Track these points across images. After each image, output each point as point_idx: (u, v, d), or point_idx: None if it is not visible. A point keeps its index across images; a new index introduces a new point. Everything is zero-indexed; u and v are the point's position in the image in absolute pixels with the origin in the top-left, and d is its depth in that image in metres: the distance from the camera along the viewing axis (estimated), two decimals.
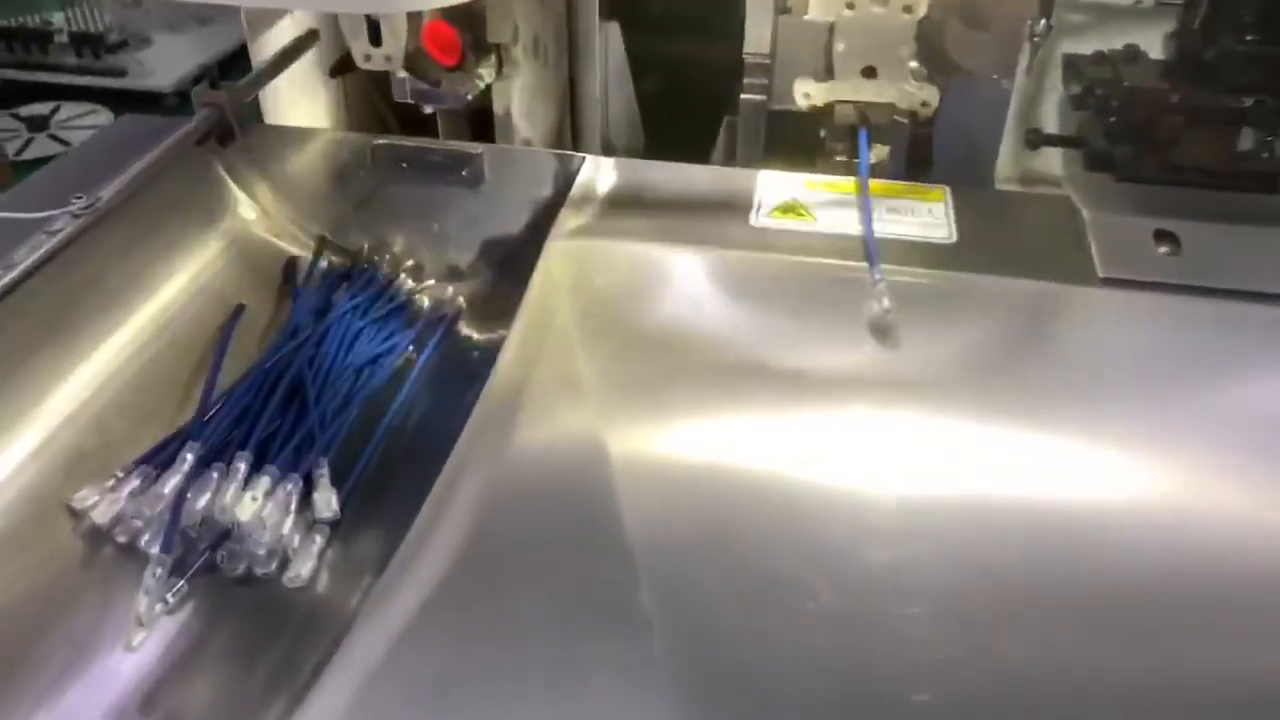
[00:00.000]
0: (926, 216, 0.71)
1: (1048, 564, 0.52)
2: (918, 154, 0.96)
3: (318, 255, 0.83)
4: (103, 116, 2.82)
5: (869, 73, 0.75)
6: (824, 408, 0.61)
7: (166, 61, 2.82)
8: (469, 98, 0.89)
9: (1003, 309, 0.66)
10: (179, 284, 0.76)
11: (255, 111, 0.94)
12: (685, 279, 0.66)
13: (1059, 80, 0.95)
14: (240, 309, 0.77)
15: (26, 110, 2.82)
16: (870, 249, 0.67)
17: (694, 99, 1.12)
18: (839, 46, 0.74)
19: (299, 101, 0.96)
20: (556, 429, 0.61)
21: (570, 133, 1.12)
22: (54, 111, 2.83)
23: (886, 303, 0.63)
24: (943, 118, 0.91)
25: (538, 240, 0.81)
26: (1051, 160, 1.00)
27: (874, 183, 0.74)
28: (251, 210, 0.84)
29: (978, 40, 0.97)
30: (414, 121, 0.94)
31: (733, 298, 0.66)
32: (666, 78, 1.17)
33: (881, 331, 0.63)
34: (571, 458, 0.59)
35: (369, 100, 1.03)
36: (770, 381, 0.62)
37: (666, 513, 0.55)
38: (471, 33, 0.88)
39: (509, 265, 0.84)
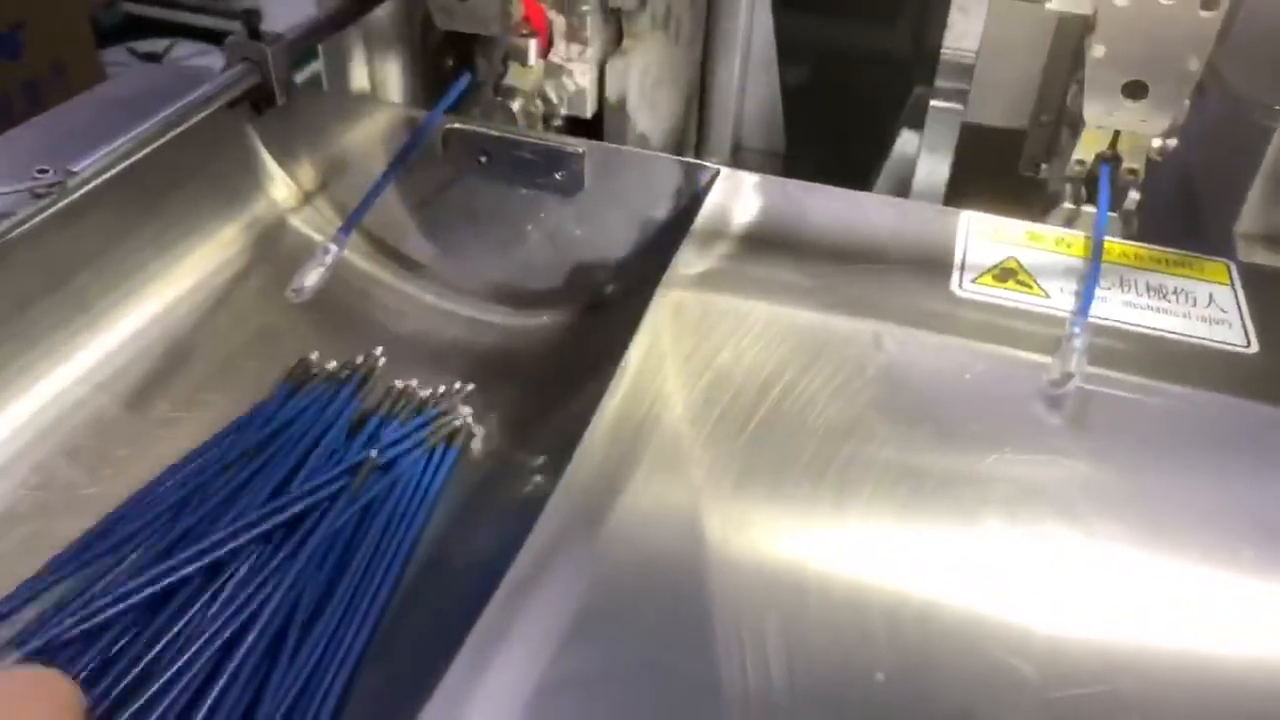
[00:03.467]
0: (1208, 306, 0.49)
1: None
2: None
3: None
4: (214, 58, 2.73)
5: (1135, 90, 0.53)
6: (1010, 526, 0.40)
7: (285, 6, 2.69)
8: (560, 106, 0.70)
9: None
10: (177, 290, 0.58)
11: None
12: (853, 365, 0.46)
13: None
14: None
15: (143, 46, 2.76)
16: (1087, 299, 0.47)
17: (855, 98, 0.92)
18: (1097, 50, 0.52)
19: (381, 71, 0.78)
20: (661, 542, 0.41)
21: (696, 128, 0.93)
22: (168, 49, 2.76)
23: (1074, 364, 0.42)
24: None
25: (645, 273, 0.61)
26: None
27: (1126, 246, 0.53)
28: (289, 193, 0.66)
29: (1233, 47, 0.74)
30: None
31: (917, 395, 0.45)
32: (822, 68, 0.96)
33: (1055, 404, 0.42)
34: (680, 578, 0.40)
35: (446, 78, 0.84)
36: (948, 492, 0.41)
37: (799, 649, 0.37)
38: (565, 14, 0.68)
39: (603, 299, 0.65)
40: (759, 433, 0.43)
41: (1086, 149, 0.56)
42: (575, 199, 0.63)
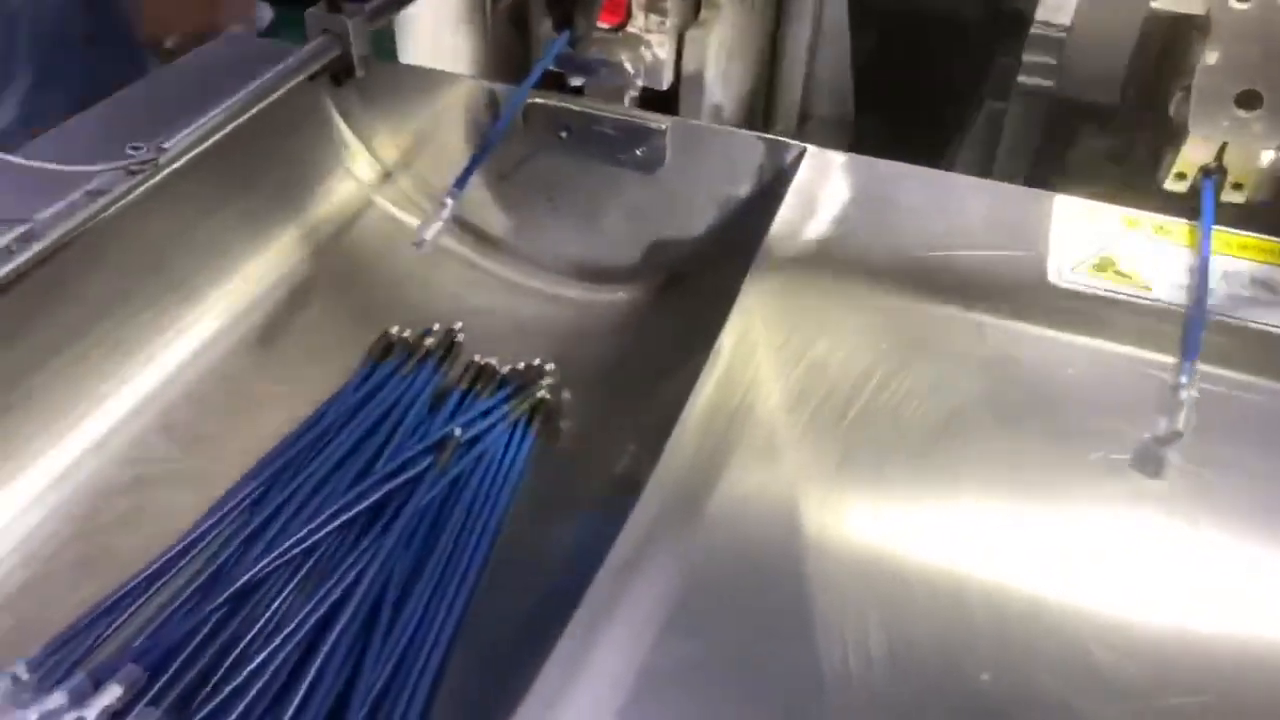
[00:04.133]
0: None
1: None
2: None
3: None
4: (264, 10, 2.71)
5: (1249, 100, 0.50)
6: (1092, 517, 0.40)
7: None
8: (636, 77, 0.68)
9: None
10: (267, 266, 0.59)
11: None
12: (954, 357, 0.45)
13: None
14: None
15: None
16: (1192, 332, 0.45)
17: (929, 66, 0.90)
18: (1210, 57, 0.49)
19: (453, 41, 0.77)
20: (760, 531, 0.41)
21: (764, 97, 0.91)
22: None
23: (1181, 421, 0.41)
24: None
25: (723, 251, 0.61)
26: None
27: (1232, 236, 0.51)
28: (371, 168, 0.66)
29: None
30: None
31: (1020, 389, 0.44)
32: (895, 34, 0.94)
33: (1163, 401, 0.42)
34: (780, 567, 0.40)
35: (509, 48, 0.82)
36: (1054, 488, 0.41)
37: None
38: None
39: (680, 276, 0.64)
40: (857, 424, 0.43)
41: (1188, 161, 0.53)
42: (655, 175, 0.62)
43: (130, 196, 0.50)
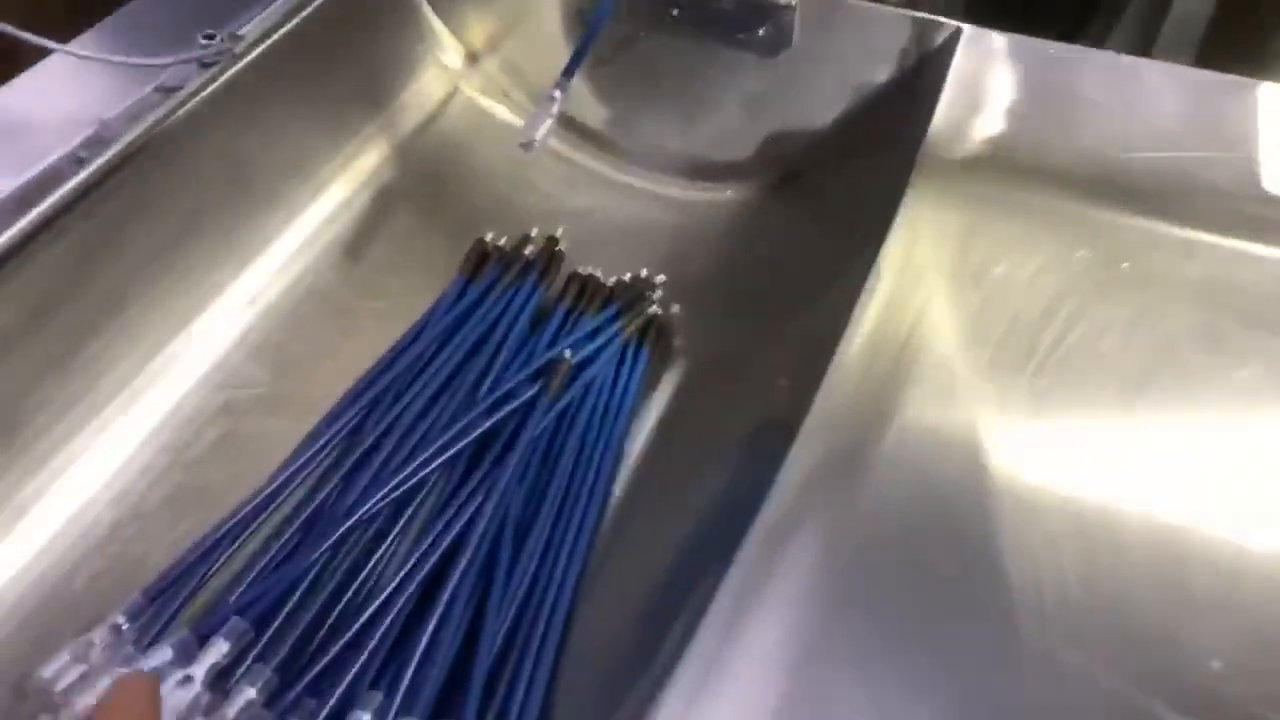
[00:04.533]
0: None
1: None
2: None
3: None
4: None
5: None
6: None
7: None
8: None
9: None
10: (352, 173, 0.53)
11: None
12: (1160, 282, 0.39)
13: None
14: None
15: None
16: None
17: None
18: None
19: None
20: (939, 482, 0.36)
21: None
22: None
23: None
24: None
25: (866, 153, 0.54)
26: None
27: None
28: (456, 55, 0.60)
29: None
30: None
31: (1240, 320, 0.38)
32: None
33: None
34: (966, 525, 0.35)
35: None
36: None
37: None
38: None
39: (796, 175, 0.58)
40: (1050, 362, 0.37)
41: None
42: (778, 58, 0.55)
43: (205, 93, 0.45)
